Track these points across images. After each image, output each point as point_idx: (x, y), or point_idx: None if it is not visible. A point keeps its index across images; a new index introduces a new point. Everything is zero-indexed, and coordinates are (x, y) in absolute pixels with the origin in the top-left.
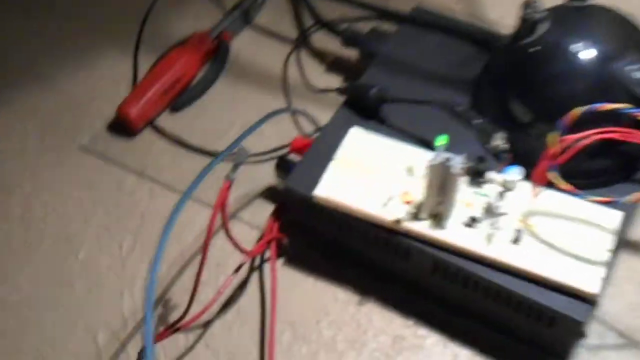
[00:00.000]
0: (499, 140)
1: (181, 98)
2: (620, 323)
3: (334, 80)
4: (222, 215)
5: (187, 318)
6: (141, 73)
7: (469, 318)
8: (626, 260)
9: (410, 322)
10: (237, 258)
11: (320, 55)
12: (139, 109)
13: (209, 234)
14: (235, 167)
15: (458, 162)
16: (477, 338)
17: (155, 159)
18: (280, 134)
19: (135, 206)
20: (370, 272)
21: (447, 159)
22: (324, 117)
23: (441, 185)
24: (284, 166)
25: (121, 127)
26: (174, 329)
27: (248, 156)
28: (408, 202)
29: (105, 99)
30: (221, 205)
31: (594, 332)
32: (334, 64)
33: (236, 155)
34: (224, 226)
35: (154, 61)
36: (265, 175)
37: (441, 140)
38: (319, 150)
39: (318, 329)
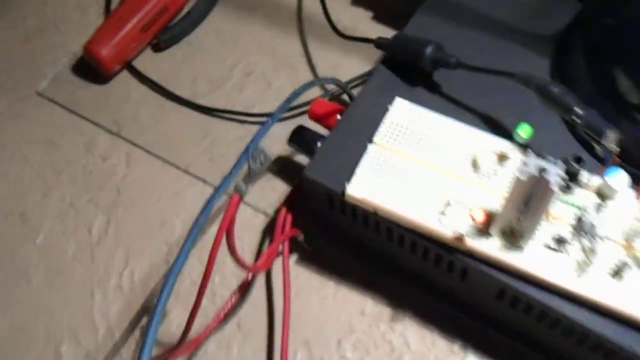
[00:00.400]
0: (611, 140)
1: (166, 33)
2: None
3: (362, 16)
4: (228, 236)
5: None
6: None
7: (535, 351)
8: None
9: (456, 347)
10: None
11: None
12: (113, 48)
13: (211, 264)
14: (251, 176)
15: (557, 174)
16: None
17: (134, 112)
18: (294, 85)
19: (109, 175)
20: (408, 281)
21: (542, 170)
22: (350, 66)
23: (527, 199)
24: (300, 139)
25: (90, 68)
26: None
27: (271, 163)
28: (477, 221)
29: (70, 30)
30: (228, 225)
31: None
32: None
33: (252, 159)
34: (229, 245)
35: None
36: (275, 141)
37: (523, 131)
38: (349, 126)
39: (340, 351)
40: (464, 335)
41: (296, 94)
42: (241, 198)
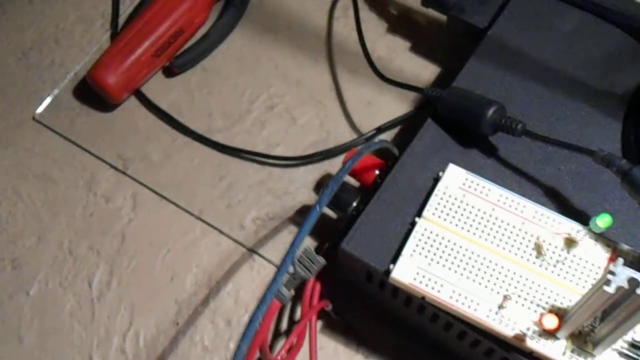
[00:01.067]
0: None
1: (180, 57)
2: None
3: (399, 45)
4: (262, 350)
5: None
6: (125, 9)
7: None
8: None
9: None
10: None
11: (381, 6)
12: (121, 75)
13: None
14: (293, 280)
15: None
16: None
17: (141, 147)
18: (322, 123)
19: (113, 219)
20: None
21: (634, 282)
22: (385, 104)
23: (608, 310)
24: (337, 199)
25: (93, 92)
26: None
27: (321, 265)
28: (547, 329)
29: (72, 46)
30: (262, 341)
31: None
32: (401, 21)
33: (298, 264)
34: (261, 350)
35: None
36: (300, 187)
37: (602, 221)
38: (393, 193)
39: None
40: None
41: (343, 171)
42: (282, 306)
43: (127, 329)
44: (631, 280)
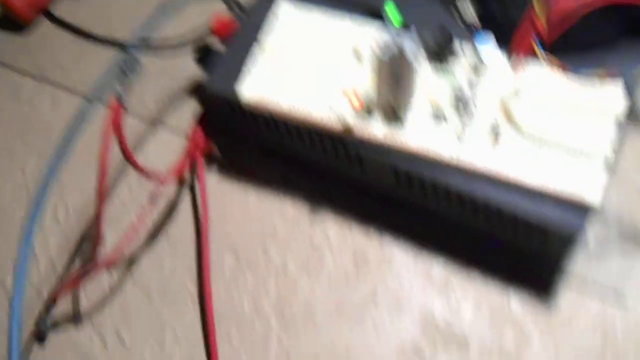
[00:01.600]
0: (466, 5)
1: None
2: (627, 222)
3: None
4: (121, 144)
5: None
6: None
7: (442, 227)
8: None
9: (373, 235)
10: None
11: None
12: None
13: (103, 174)
14: (123, 80)
15: (413, 46)
16: (453, 248)
17: (54, 57)
18: (206, 11)
19: (37, 118)
20: (322, 180)
21: (401, 47)
22: None
23: (395, 77)
24: (205, 57)
25: (9, 20)
26: (82, 273)
27: (139, 67)
28: (355, 106)
29: None
30: (116, 130)
31: (595, 235)
32: None
33: (124, 64)
34: (126, 157)
35: None
36: (189, 65)
37: (389, 10)
38: (245, 35)
39: (266, 254)
40: (380, 224)
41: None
42: (120, 103)
43: (56, 203)
44: (399, 47)
